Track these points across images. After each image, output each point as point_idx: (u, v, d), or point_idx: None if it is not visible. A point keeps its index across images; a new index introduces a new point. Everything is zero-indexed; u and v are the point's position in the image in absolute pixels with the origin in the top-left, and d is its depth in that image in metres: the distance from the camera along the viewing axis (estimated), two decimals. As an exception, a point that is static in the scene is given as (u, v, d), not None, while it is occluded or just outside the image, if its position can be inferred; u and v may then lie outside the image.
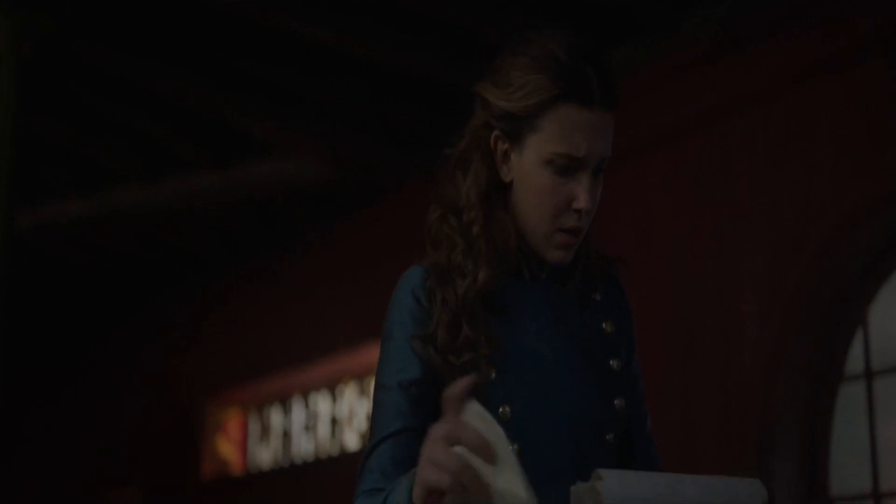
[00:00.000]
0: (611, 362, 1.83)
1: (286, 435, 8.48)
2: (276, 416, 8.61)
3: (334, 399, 8.05)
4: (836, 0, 4.81)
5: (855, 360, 4.87)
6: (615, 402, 1.81)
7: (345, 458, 7.51)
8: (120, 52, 6.21)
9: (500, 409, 1.72)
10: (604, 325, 1.85)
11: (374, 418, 1.76)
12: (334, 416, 8.01)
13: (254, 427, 8.81)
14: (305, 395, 8.30)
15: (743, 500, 1.62)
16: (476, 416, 1.43)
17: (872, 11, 4.70)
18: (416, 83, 6.11)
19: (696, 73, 5.33)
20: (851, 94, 4.76)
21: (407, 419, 1.72)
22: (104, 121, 7.12)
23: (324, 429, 8.09)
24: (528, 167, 1.78)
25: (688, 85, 5.37)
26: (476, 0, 5.37)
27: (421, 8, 5.48)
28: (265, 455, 8.65)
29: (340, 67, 6.10)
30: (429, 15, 5.53)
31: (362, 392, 7.76)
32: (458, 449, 1.41)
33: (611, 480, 1.55)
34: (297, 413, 8.38)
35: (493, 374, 1.73)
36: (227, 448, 8.82)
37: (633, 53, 5.42)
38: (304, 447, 8.27)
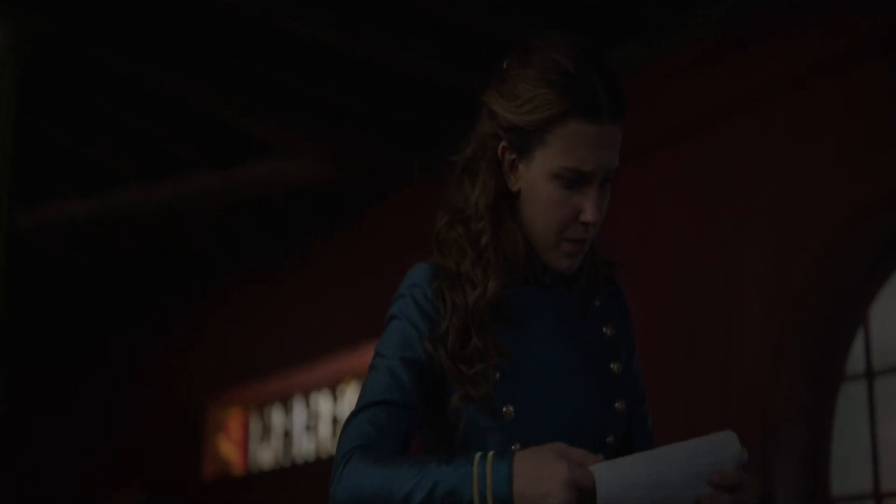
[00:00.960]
0: (611, 365, 1.84)
1: (287, 435, 8.48)
2: (277, 416, 8.61)
3: (335, 399, 8.05)
4: (836, 0, 4.81)
5: (856, 361, 4.87)
6: (615, 404, 1.82)
7: (345, 458, 7.49)
8: (120, 52, 6.21)
9: (504, 409, 1.74)
10: (604, 329, 1.86)
11: (371, 379, 1.76)
12: (335, 415, 8.01)
13: (255, 427, 8.81)
14: (306, 394, 8.30)
15: (725, 454, 1.66)
16: None
17: (872, 11, 4.69)
18: (416, 83, 6.11)
19: (696, 74, 5.33)
20: (851, 94, 4.76)
21: (406, 394, 1.74)
22: (104, 121, 7.12)
23: (325, 429, 8.10)
24: (536, 179, 1.78)
25: (688, 85, 5.37)
26: (476, 0, 5.37)
27: (421, 8, 5.48)
28: (266, 455, 8.65)
29: (340, 67, 6.10)
30: (429, 15, 5.53)
31: (363, 392, 7.74)
32: None
33: (600, 475, 1.57)
34: (299, 413, 8.38)
35: (497, 376, 1.74)
36: (228, 448, 8.82)
37: (633, 53, 5.42)
38: (305, 447, 8.27)
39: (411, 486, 1.62)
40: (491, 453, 1.63)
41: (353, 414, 1.73)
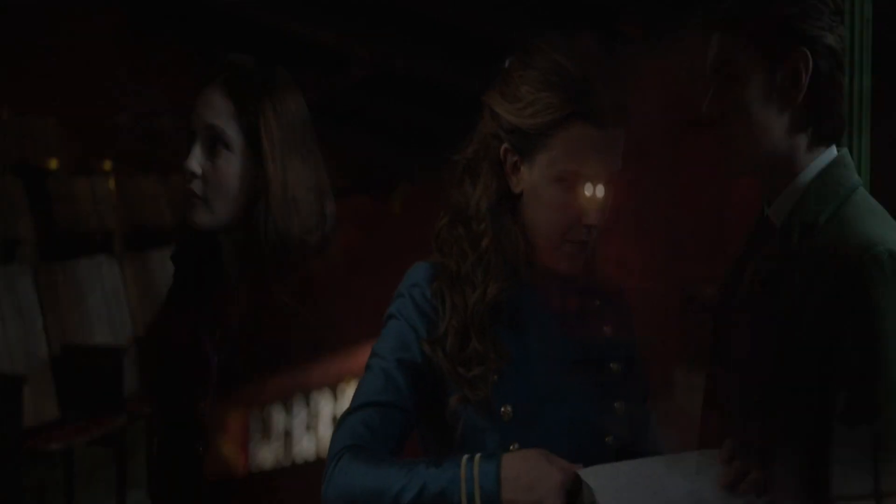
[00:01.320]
0: (611, 365, 1.83)
1: (287, 435, 8.48)
2: (277, 416, 8.60)
3: (335, 399, 8.06)
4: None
5: (855, 360, 4.86)
6: (615, 404, 1.81)
7: (346, 457, 7.51)
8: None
9: (502, 409, 1.74)
10: (604, 329, 1.85)
11: (366, 380, 1.80)
12: (335, 415, 8.00)
13: (255, 427, 8.80)
14: (307, 394, 8.30)
15: (702, 460, 1.65)
16: None
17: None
18: (416, 83, 6.11)
19: (696, 73, 5.32)
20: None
21: (401, 396, 1.75)
22: (105, 121, 7.13)
23: (325, 429, 8.09)
24: (538, 182, 1.76)
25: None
26: (476, 0, 5.37)
27: (422, 8, 5.48)
28: (266, 455, 8.64)
29: (340, 67, 6.10)
30: (429, 15, 5.53)
31: (363, 392, 7.77)
32: None
33: (589, 481, 1.57)
34: (299, 413, 8.38)
35: (496, 377, 1.74)
36: (228, 448, 8.81)
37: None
38: (305, 447, 8.27)
39: (400, 487, 1.63)
40: (478, 455, 1.64)
41: (347, 414, 1.74)
